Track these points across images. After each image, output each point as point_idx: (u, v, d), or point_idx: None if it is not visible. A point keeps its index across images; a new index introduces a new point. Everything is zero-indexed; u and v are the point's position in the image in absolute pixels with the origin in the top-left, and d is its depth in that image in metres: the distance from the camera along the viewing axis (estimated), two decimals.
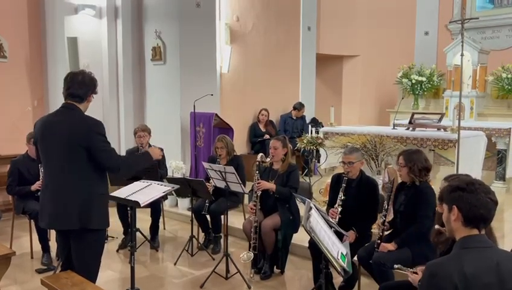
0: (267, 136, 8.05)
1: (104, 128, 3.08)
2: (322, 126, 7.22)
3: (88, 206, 2.98)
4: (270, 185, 4.35)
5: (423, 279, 1.87)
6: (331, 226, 3.31)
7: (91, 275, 3.04)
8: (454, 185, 1.98)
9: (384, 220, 3.59)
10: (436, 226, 2.42)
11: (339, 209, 3.85)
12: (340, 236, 3.36)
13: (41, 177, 4.76)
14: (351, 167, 3.94)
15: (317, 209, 3.18)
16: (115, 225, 5.38)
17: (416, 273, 2.53)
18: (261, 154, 4.57)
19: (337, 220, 3.76)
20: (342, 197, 3.88)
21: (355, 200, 3.88)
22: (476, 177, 2.27)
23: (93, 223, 3.00)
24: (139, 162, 3.48)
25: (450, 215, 1.94)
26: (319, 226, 2.93)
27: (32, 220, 4.81)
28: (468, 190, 1.90)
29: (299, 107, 8.51)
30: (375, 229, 4.05)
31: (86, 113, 3.15)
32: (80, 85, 3.08)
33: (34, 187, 4.78)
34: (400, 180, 3.80)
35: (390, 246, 3.48)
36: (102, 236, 3.22)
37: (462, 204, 1.90)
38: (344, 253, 2.96)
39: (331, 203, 4.08)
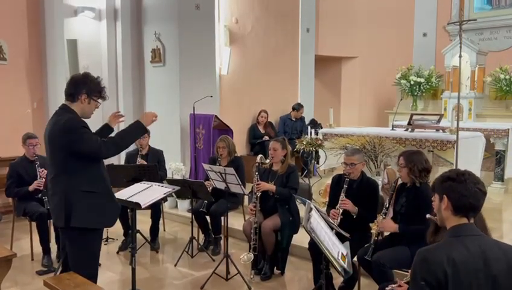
0: (266, 138, 8.07)
1: (82, 123, 2.99)
2: (321, 127, 7.24)
3: (69, 204, 2.97)
4: (270, 186, 4.37)
5: (415, 264, 1.94)
6: (331, 228, 3.32)
7: (86, 274, 2.99)
8: (445, 175, 2.06)
9: (384, 219, 3.60)
10: (428, 215, 2.46)
11: (341, 210, 3.85)
12: (340, 237, 3.37)
13: (38, 177, 4.80)
14: (353, 169, 3.95)
15: (318, 211, 3.20)
16: (115, 227, 5.38)
17: (400, 285, 2.59)
18: (260, 155, 4.58)
19: (338, 221, 3.77)
20: (343, 198, 3.89)
21: (356, 201, 3.88)
22: None
23: (73, 220, 2.97)
24: (130, 135, 3.20)
25: (440, 205, 2.03)
26: (319, 226, 2.95)
27: (33, 222, 4.81)
28: (457, 180, 1.99)
29: (297, 108, 8.53)
30: (374, 230, 4.06)
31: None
32: (72, 83, 3.08)
33: (31, 187, 4.79)
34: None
35: (392, 224, 3.52)
36: (92, 237, 3.09)
37: (452, 194, 1.99)
38: (344, 253, 2.99)
39: (331, 204, 4.09)
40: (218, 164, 5.00)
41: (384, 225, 3.56)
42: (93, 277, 3.08)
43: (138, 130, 3.22)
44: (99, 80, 3.15)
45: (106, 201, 3.11)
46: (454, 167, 4.90)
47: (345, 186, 3.91)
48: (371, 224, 4.13)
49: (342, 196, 3.88)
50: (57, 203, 3.03)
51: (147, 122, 3.23)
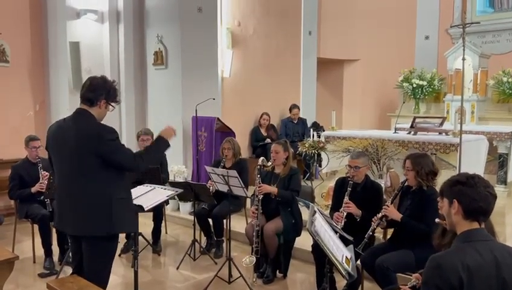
0: (268, 140, 8.07)
1: (115, 133, 2.97)
2: (323, 130, 7.23)
3: (108, 211, 2.90)
4: (272, 189, 4.36)
5: (427, 270, 1.91)
6: (335, 231, 3.31)
7: (101, 281, 2.96)
8: (454, 179, 2.04)
9: (384, 215, 3.58)
10: (437, 220, 2.44)
11: (345, 213, 3.84)
12: (344, 240, 3.36)
13: (41, 179, 4.78)
14: (357, 172, 3.95)
15: (321, 214, 3.19)
16: None
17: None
18: (262, 158, 4.57)
19: (342, 224, 3.76)
20: (347, 201, 3.87)
21: (360, 204, 3.87)
22: None
23: (115, 227, 2.94)
24: (157, 151, 3.23)
25: (450, 209, 2.01)
26: (323, 229, 2.94)
27: (35, 224, 4.80)
28: (468, 184, 1.97)
29: (291, 107, 8.58)
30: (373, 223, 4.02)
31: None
32: (91, 87, 2.99)
33: (34, 189, 4.78)
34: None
35: (397, 213, 3.53)
36: (115, 242, 3.09)
37: (463, 198, 1.96)
38: (348, 257, 2.97)
39: (334, 207, 4.08)
40: (222, 165, 5.00)
41: (390, 210, 3.55)
42: (106, 282, 3.07)
43: (163, 145, 3.20)
44: (115, 84, 3.11)
45: (133, 206, 3.13)
46: (457, 171, 4.88)
47: (349, 189, 3.90)
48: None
49: (346, 198, 3.87)
50: (90, 211, 2.92)
51: (170, 137, 3.22)
